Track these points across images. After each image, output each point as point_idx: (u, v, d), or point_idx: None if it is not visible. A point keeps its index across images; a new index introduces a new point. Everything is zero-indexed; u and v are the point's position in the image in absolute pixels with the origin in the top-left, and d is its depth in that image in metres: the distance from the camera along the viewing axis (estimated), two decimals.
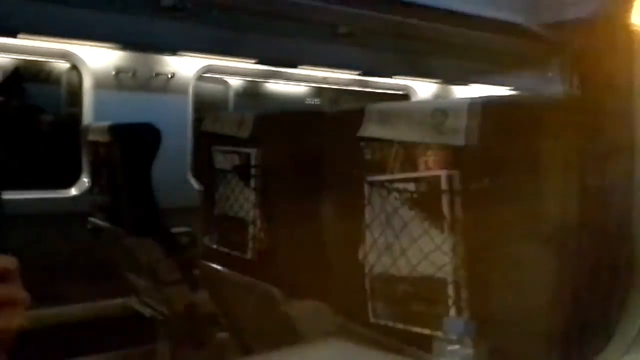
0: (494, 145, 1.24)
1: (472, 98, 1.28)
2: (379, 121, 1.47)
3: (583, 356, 1.13)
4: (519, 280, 1.23)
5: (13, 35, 3.15)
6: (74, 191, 3.55)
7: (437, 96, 4.81)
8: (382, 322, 1.46)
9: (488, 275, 1.26)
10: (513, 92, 4.79)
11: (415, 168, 1.38)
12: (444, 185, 1.31)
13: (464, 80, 4.75)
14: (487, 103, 1.25)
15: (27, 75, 4.44)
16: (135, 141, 2.93)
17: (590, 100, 1.25)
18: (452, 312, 1.29)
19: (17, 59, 3.98)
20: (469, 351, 1.17)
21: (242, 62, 3.94)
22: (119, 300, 3.26)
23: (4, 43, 3.25)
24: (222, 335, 2.41)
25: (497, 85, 4.73)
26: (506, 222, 1.24)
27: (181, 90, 3.72)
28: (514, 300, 1.23)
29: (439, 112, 1.31)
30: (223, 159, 2.12)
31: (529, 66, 3.70)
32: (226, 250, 2.13)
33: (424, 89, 4.80)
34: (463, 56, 4.16)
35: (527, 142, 1.21)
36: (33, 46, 3.33)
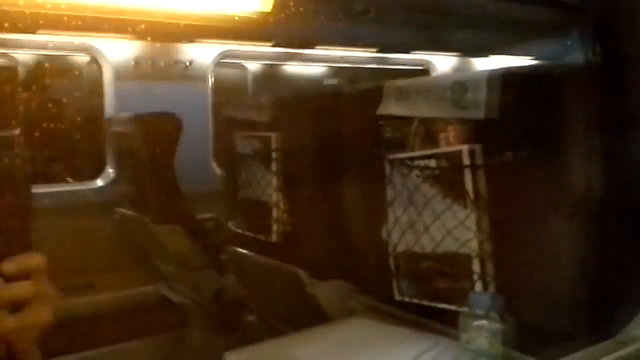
0: (515, 118, 1.22)
1: (490, 70, 1.26)
2: (398, 98, 1.46)
3: (609, 329, 1.12)
4: (544, 253, 1.21)
5: (32, 31, 3.19)
6: (99, 182, 3.60)
7: (457, 69, 4.74)
8: (407, 299, 1.46)
9: (513, 249, 1.25)
10: (533, 62, 4.70)
11: (436, 144, 1.37)
12: (465, 160, 1.30)
13: (483, 52, 4.68)
14: (506, 74, 1.23)
15: (49, 69, 4.49)
16: (157, 130, 2.96)
17: (612, 68, 1.22)
18: (478, 287, 1.28)
19: (38, 54, 4.01)
20: (496, 325, 1.17)
21: (259, 45, 3.93)
22: (148, 288, 3.31)
23: (24, 39, 3.29)
24: (251, 318, 2.44)
25: (517, 55, 4.65)
26: (530, 195, 1.22)
27: (200, 77, 3.73)
28: (539, 273, 1.21)
29: (457, 85, 1.30)
30: (244, 144, 2.13)
31: (549, 35, 3.61)
32: (251, 233, 2.14)
33: (443, 63, 4.74)
34: (481, 27, 4.09)
35: (548, 113, 1.19)
36: (53, 41, 3.37)
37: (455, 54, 4.74)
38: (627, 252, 1.15)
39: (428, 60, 4.73)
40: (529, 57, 4.59)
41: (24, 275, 0.67)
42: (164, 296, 3.15)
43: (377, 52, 4.38)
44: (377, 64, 4.58)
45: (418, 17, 3.78)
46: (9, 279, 0.66)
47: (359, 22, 3.70)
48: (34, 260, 0.68)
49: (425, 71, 4.74)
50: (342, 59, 4.46)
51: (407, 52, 4.53)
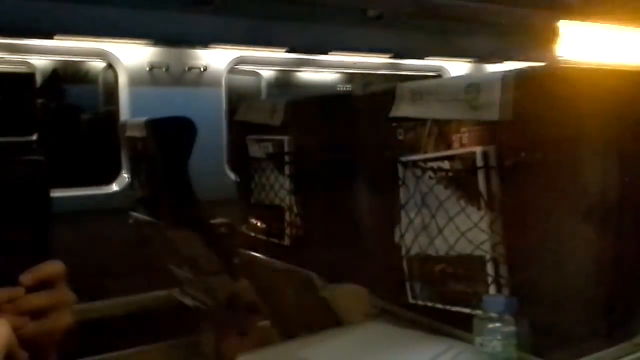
0: (529, 119, 1.21)
1: (505, 71, 1.25)
2: (411, 100, 1.45)
3: (626, 331, 1.10)
4: (559, 255, 1.20)
5: (50, 37, 3.23)
6: (115, 187, 3.63)
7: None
8: (420, 302, 1.45)
9: (527, 251, 1.24)
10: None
11: (449, 146, 1.36)
12: (479, 161, 1.29)
13: (497, 58, 4.66)
14: (521, 75, 1.22)
15: (65, 75, 4.54)
16: (172, 135, 2.97)
17: (628, 69, 1.21)
18: (492, 289, 1.27)
19: (54, 60, 4.06)
20: (510, 328, 1.16)
21: (272, 51, 3.94)
22: (161, 292, 3.32)
23: (42, 45, 3.33)
24: (264, 322, 2.43)
25: (531, 61, 4.63)
26: (544, 197, 1.21)
27: (214, 82, 3.75)
28: (554, 275, 1.20)
29: (471, 87, 1.29)
30: (257, 148, 2.14)
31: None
32: (264, 237, 2.14)
33: (457, 69, 4.73)
34: (495, 33, 4.08)
35: (563, 114, 1.18)
36: (69, 47, 3.40)
37: (469, 59, 4.73)
38: None
39: (442, 67, 4.72)
40: (545, 63, 4.56)
41: (42, 284, 0.68)
42: (177, 301, 3.15)
43: (390, 57, 4.37)
44: (391, 70, 4.58)
45: (432, 23, 3.78)
46: (28, 288, 0.67)
47: (373, 27, 3.71)
48: (53, 268, 0.69)
49: (439, 77, 4.73)
50: (356, 65, 4.46)
51: (421, 58, 4.52)
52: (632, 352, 1.01)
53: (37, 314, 0.67)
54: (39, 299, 0.67)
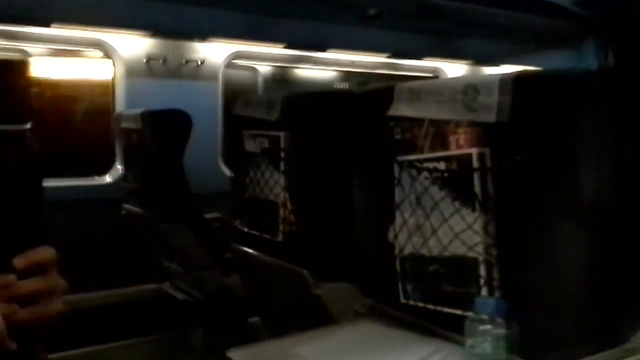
0: (527, 121, 1.21)
1: (503, 73, 1.25)
2: (409, 100, 1.45)
3: (617, 336, 1.10)
4: (552, 259, 1.20)
5: (46, 24, 3.20)
6: (108, 178, 3.61)
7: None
8: (412, 302, 1.45)
9: (520, 254, 1.24)
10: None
11: (445, 146, 1.36)
12: (475, 163, 1.29)
13: (495, 61, 4.66)
14: (519, 78, 1.22)
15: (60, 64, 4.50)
16: (167, 127, 2.96)
17: (625, 73, 1.21)
18: (484, 291, 1.27)
19: (51, 48, 4.03)
20: (501, 331, 1.16)
21: (270, 47, 3.93)
22: (152, 285, 3.31)
23: (38, 33, 3.30)
24: (254, 318, 2.43)
25: (529, 65, 4.63)
26: (539, 200, 1.21)
27: (211, 76, 3.74)
28: (546, 279, 1.20)
29: (470, 88, 1.29)
30: (253, 143, 2.13)
31: (562, 45, 3.60)
32: (257, 233, 2.14)
33: (454, 70, 4.73)
34: (494, 36, 4.08)
35: (560, 117, 1.18)
36: (66, 35, 3.38)
37: (466, 62, 4.73)
38: (636, 259, 1.14)
39: (439, 68, 4.73)
40: (544, 67, 4.57)
41: (35, 268, 0.67)
42: (167, 294, 3.15)
43: (388, 57, 4.37)
44: (388, 69, 4.58)
45: (431, 23, 3.78)
46: (20, 273, 0.66)
47: (372, 26, 3.70)
48: (45, 254, 0.68)
49: (435, 78, 4.73)
50: (353, 64, 4.45)
51: (419, 59, 4.52)
52: (622, 358, 1.02)
53: (27, 300, 0.66)
54: (30, 285, 0.66)
